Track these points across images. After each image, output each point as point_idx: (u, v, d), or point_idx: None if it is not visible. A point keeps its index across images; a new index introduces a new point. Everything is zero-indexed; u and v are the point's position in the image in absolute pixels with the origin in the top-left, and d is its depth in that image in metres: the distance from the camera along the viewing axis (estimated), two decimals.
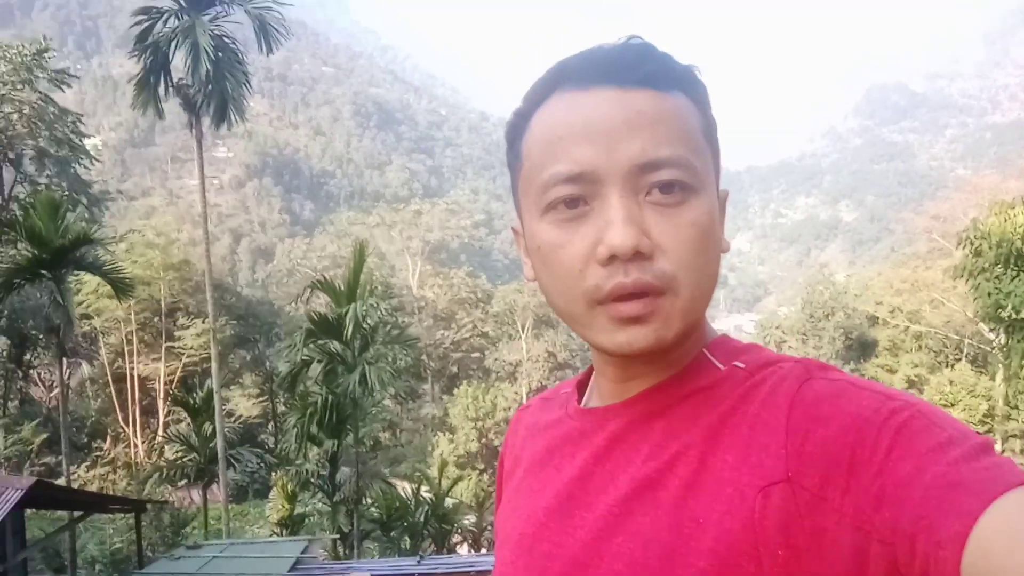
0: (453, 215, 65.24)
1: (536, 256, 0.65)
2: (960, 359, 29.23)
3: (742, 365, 0.64)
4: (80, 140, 27.28)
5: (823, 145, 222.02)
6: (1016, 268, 12.48)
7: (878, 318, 32.86)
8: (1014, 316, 12.99)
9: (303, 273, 46.88)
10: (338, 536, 15.18)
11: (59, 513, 15.43)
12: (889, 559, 0.47)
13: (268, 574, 9.80)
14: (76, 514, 11.12)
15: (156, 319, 26.04)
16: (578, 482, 0.67)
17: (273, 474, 18.49)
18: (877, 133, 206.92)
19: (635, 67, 0.61)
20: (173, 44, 15.21)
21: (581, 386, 0.80)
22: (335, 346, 15.97)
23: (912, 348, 31.07)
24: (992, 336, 22.37)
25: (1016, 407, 15.26)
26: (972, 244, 13.21)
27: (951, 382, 24.84)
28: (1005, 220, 12.62)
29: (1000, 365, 20.53)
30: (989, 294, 12.90)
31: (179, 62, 15.68)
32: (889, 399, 0.53)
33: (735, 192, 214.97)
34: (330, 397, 15.41)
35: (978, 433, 0.51)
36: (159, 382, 24.65)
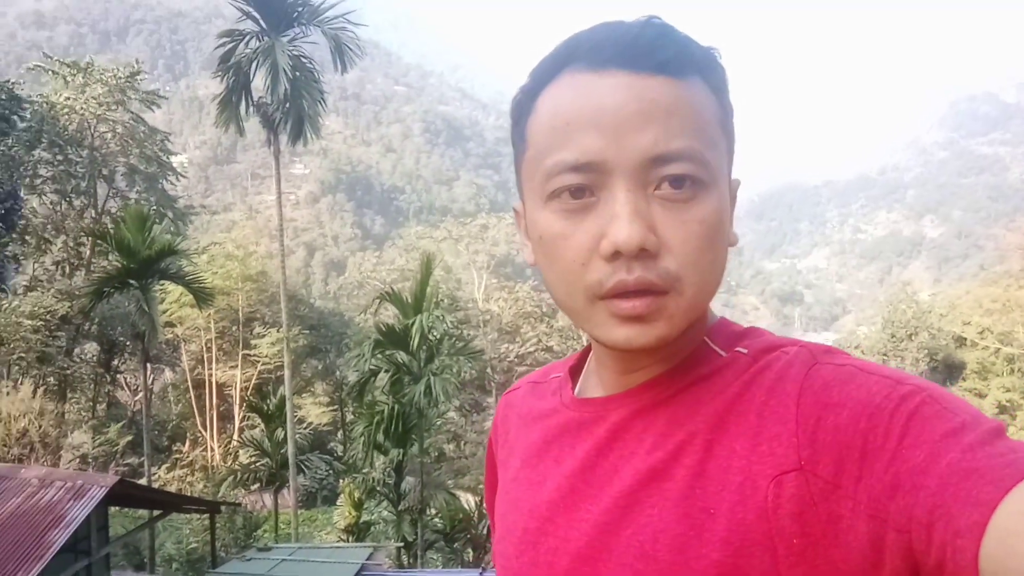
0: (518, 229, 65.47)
1: (538, 245, 0.63)
2: None
3: (744, 350, 0.62)
4: (168, 158, 28.85)
5: (906, 158, 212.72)
6: None
7: (966, 339, 31.15)
8: None
9: (373, 285, 47.96)
10: (402, 545, 15.33)
11: (140, 512, 16.15)
12: (905, 547, 0.46)
13: None
14: (155, 513, 11.61)
15: (234, 328, 27.10)
16: (580, 475, 0.65)
17: (341, 481, 18.88)
18: (964, 146, 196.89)
19: (652, 51, 0.57)
20: (254, 64, 15.95)
21: (574, 372, 0.77)
22: (402, 356, 16.23)
23: (1003, 371, 29.28)
24: None
25: None
26: None
27: None
28: None
29: None
30: None
31: (259, 82, 16.42)
32: (899, 383, 0.52)
33: (812, 207, 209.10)
34: (396, 407, 15.64)
35: (990, 418, 0.50)
36: (235, 388, 25.61)
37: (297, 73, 16.03)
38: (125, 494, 8.80)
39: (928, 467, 0.46)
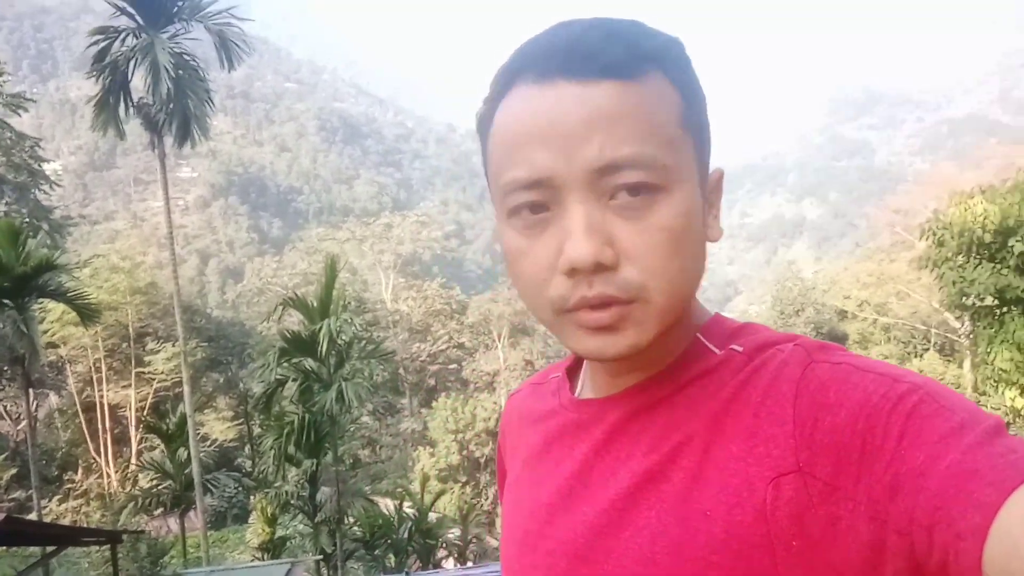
0: (424, 227, 64.88)
1: (505, 259, 0.63)
2: (928, 349, 29.85)
3: (739, 348, 0.62)
4: (39, 165, 26.79)
5: (787, 144, 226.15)
6: (978, 256, 12.82)
7: (847, 312, 33.42)
8: (978, 303, 13.35)
9: (274, 292, 46.32)
10: (321, 557, 14.96)
11: (32, 550, 14.98)
12: (907, 549, 0.46)
13: None
14: (49, 549, 10.79)
15: (124, 345, 25.53)
16: (578, 476, 0.65)
17: (252, 498, 18.19)
18: (838, 131, 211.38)
19: (595, 55, 0.55)
20: (132, 63, 15.03)
21: (571, 372, 0.77)
22: (310, 364, 15.81)
23: (881, 340, 31.64)
24: (958, 325, 22.90)
25: (985, 393, 15.62)
26: (935, 235, 13.54)
27: (920, 371, 25.30)
28: (965, 210, 12.97)
29: (967, 352, 20.92)
30: (953, 283, 13.20)
31: (139, 81, 15.49)
32: (896, 382, 0.51)
33: None
34: (307, 416, 15.22)
35: (989, 414, 0.50)
36: (130, 409, 24.14)
37: (180, 71, 15.20)
38: (13, 531, 8.10)
39: (928, 468, 0.46)
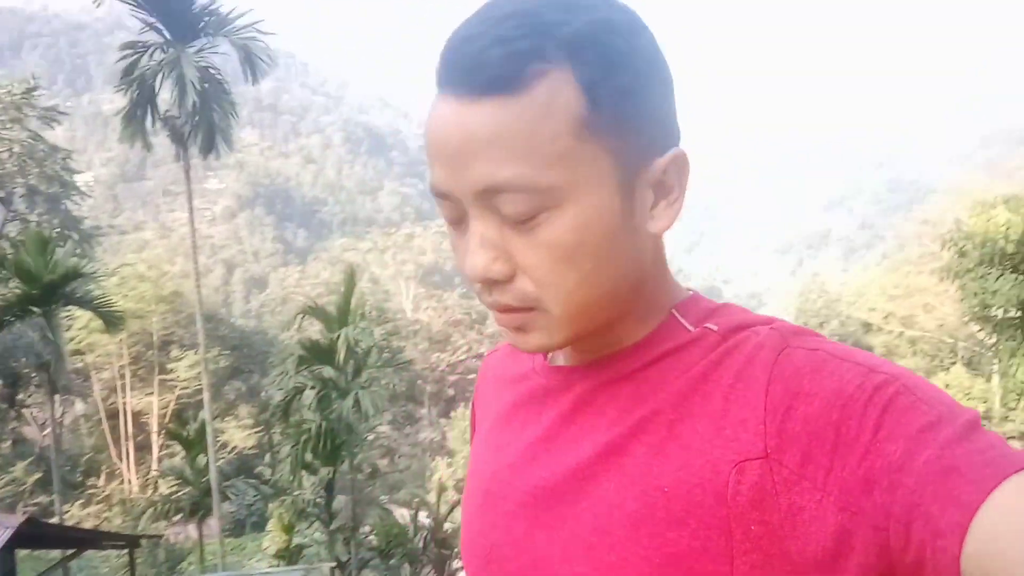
0: (445, 237, 64.76)
1: None
2: (955, 363, 29.27)
3: (714, 327, 0.60)
4: (71, 176, 27.45)
5: (816, 155, 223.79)
6: (1001, 267, 12.56)
7: (872, 324, 32.93)
8: (1002, 315, 13.08)
9: (297, 301, 46.80)
10: (336, 565, 15.00)
11: (53, 553, 15.25)
12: (881, 544, 0.46)
13: None
14: (68, 552, 10.98)
15: (149, 352, 25.95)
16: (542, 442, 0.64)
17: (269, 506, 18.32)
18: (866, 140, 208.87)
19: (474, 70, 0.52)
20: (159, 77, 15.36)
21: None
22: (328, 372, 15.92)
23: (907, 353, 31.09)
24: (984, 337, 22.46)
25: (1012, 408, 15.25)
26: (956, 245, 13.31)
27: (947, 386, 24.85)
28: (987, 220, 12.72)
29: (994, 366, 20.47)
30: (976, 294, 12.95)
31: (165, 94, 15.83)
32: (872, 372, 0.51)
33: (726, 205, 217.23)
34: (324, 424, 15.31)
35: (965, 408, 0.49)
36: (153, 416, 24.50)
37: (206, 85, 15.51)
38: (35, 534, 8.26)
39: (905, 464, 0.46)
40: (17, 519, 8.62)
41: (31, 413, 24.52)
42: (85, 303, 15.64)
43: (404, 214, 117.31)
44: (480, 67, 0.52)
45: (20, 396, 22.92)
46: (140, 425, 25.08)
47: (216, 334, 26.85)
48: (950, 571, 0.43)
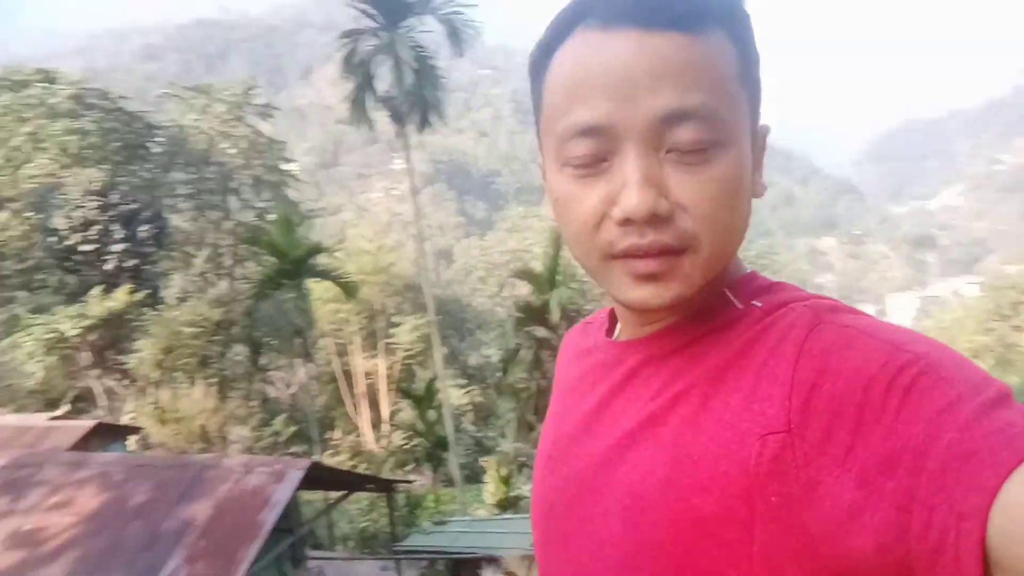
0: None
1: (554, 205, 0.63)
2: None
3: (759, 304, 0.62)
4: (286, 165, 30.41)
5: None
6: None
7: None
8: None
9: (486, 268, 48.73)
10: None
11: (314, 495, 17.25)
12: (903, 526, 0.46)
13: (516, 548, 10.31)
14: (337, 494, 12.35)
15: (372, 320, 28.37)
16: (595, 413, 0.69)
17: (484, 460, 19.38)
18: None
19: (663, 7, 0.55)
20: (375, 61, 16.45)
21: (614, 315, 0.79)
22: (542, 332, 16.43)
23: None
24: None
25: None
26: None
27: None
28: None
29: None
30: None
31: (376, 76, 16.87)
32: (898, 350, 0.51)
33: (938, 141, 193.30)
34: (542, 383, 15.88)
35: (990, 382, 0.49)
36: (378, 377, 26.81)
37: (416, 64, 16.40)
38: (315, 476, 9.43)
39: (927, 448, 0.46)
40: (306, 463, 9.75)
41: (274, 376, 27.79)
42: (326, 275, 17.33)
43: None
44: (673, 4, 0.55)
45: (262, 361, 26.06)
46: (367, 385, 27.55)
47: (420, 302, 28.67)
48: (972, 555, 0.43)
